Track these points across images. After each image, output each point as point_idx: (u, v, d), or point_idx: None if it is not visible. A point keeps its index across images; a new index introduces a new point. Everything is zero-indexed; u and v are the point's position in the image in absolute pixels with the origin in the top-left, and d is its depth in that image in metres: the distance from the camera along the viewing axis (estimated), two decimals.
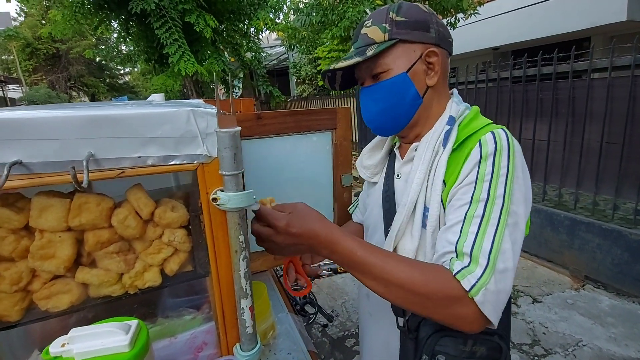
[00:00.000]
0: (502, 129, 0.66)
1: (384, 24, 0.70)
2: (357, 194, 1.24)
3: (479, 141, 0.64)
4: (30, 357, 0.57)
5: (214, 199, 0.56)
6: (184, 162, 0.55)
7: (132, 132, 0.51)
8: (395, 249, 0.71)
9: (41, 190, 0.54)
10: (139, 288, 0.60)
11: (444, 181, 0.67)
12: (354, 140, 7.41)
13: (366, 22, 0.74)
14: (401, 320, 0.73)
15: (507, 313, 0.70)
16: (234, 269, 0.60)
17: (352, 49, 0.75)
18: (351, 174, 1.41)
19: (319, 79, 10.10)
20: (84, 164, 0.47)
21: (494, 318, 0.55)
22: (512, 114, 3.76)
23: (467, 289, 0.54)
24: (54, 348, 0.46)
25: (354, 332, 2.72)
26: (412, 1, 3.34)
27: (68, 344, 0.47)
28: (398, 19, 0.70)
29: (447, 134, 0.69)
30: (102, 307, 0.62)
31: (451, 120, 0.71)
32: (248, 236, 0.60)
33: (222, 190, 0.57)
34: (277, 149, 1.23)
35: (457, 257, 0.58)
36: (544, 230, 3.38)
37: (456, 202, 0.63)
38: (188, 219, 0.62)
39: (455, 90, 0.79)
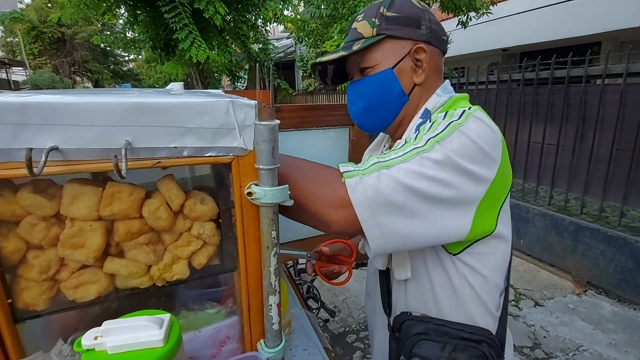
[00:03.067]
0: (475, 109, 0.62)
1: (373, 19, 0.70)
2: None
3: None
4: (55, 346, 0.56)
5: (249, 193, 0.54)
6: (220, 154, 0.54)
7: (172, 122, 0.49)
8: None
9: (73, 178, 0.52)
10: (166, 281, 0.59)
11: None
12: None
13: (358, 17, 0.73)
14: (389, 320, 0.75)
15: (502, 321, 0.70)
16: (264, 264, 0.59)
17: (342, 43, 0.75)
18: None
19: None
20: (123, 152, 0.46)
21: (365, 216, 0.55)
22: (522, 116, 3.73)
23: (342, 172, 0.57)
24: (87, 340, 0.45)
25: (355, 328, 2.73)
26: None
27: (101, 336, 0.46)
28: (388, 14, 0.69)
29: (418, 127, 0.67)
30: (126, 299, 0.61)
31: (425, 114, 0.70)
32: (279, 232, 0.59)
33: (256, 185, 0.55)
34: (295, 142, 1.22)
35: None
36: (548, 234, 3.37)
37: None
38: (217, 212, 0.61)
39: (446, 82, 0.76)
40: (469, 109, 0.62)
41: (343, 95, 7.79)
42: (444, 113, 0.64)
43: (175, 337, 0.48)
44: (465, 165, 0.56)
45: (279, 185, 0.55)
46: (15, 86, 17.64)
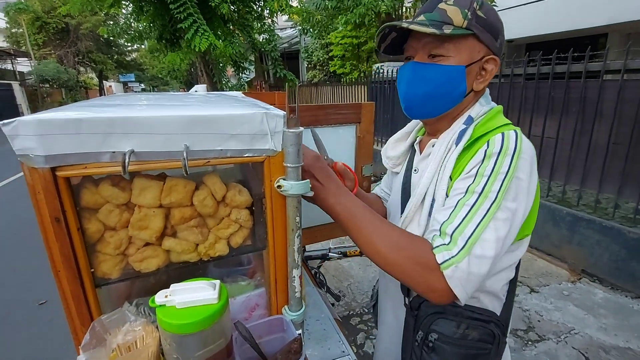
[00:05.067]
0: (515, 130, 0.68)
1: (466, 10, 0.69)
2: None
3: (487, 141, 0.67)
4: (123, 306, 0.70)
5: (279, 186, 0.68)
6: (255, 155, 0.67)
7: (220, 130, 0.62)
8: None
9: (140, 174, 0.66)
10: (210, 256, 0.73)
11: (450, 177, 0.71)
12: None
13: None
14: (406, 299, 0.83)
15: (508, 304, 0.78)
16: (288, 244, 0.73)
17: (421, 17, 0.73)
18: (372, 164, 1.53)
19: (330, 65, 10.04)
20: (184, 155, 0.59)
21: (461, 295, 0.60)
22: (523, 110, 3.82)
23: (439, 262, 0.60)
24: (159, 298, 0.59)
25: (359, 312, 2.89)
26: None
27: (170, 295, 0.60)
28: (479, 13, 0.69)
29: (462, 134, 0.72)
30: (175, 272, 0.75)
31: (469, 120, 0.74)
32: (302, 218, 0.72)
33: (284, 179, 0.68)
34: (307, 139, 1.34)
35: (440, 235, 0.64)
36: (545, 224, 3.49)
37: (454, 192, 0.68)
38: (251, 202, 0.74)
39: (487, 90, 0.79)
40: (515, 138, 0.66)
41: (348, 88, 7.86)
42: (498, 147, 0.65)
43: (225, 297, 0.62)
44: (528, 187, 0.65)
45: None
46: (21, 77, 17.75)
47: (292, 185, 0.67)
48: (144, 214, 0.66)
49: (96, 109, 0.61)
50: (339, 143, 1.46)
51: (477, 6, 0.70)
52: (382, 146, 6.53)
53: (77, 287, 0.62)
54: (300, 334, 0.78)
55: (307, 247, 2.52)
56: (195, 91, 1.41)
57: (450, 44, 0.70)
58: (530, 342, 2.47)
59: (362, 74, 8.48)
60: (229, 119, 0.62)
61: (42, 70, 17.16)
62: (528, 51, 4.91)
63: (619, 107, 2.97)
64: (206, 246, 0.72)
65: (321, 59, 11.37)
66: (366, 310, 2.90)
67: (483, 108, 0.75)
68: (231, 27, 7.39)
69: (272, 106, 0.76)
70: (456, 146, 0.72)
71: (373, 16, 6.98)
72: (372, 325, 2.72)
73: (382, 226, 0.68)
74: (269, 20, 7.99)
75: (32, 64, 18.11)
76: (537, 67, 3.52)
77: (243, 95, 1.27)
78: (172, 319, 0.56)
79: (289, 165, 0.67)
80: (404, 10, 7.52)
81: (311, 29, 7.58)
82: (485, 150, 0.66)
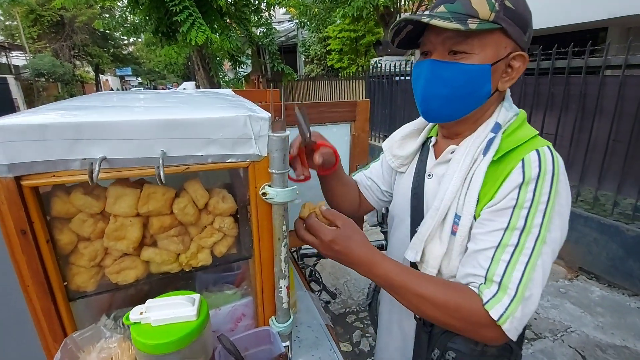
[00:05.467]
0: (548, 146, 0.63)
1: (493, 1, 0.61)
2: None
3: (522, 160, 0.61)
4: (100, 320, 0.66)
5: (264, 194, 0.64)
6: (239, 160, 0.63)
7: (198, 134, 0.58)
8: (423, 252, 0.72)
9: (116, 181, 0.62)
10: (193, 266, 0.70)
11: (478, 196, 0.65)
12: None
13: None
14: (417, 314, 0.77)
15: None
16: (275, 253, 0.69)
17: (441, 7, 0.64)
18: (367, 164, 1.49)
19: (328, 59, 9.95)
20: (160, 161, 0.55)
21: (515, 335, 0.59)
22: (522, 106, 3.77)
23: (496, 319, 0.57)
24: (134, 315, 0.56)
25: (355, 309, 2.87)
26: None
27: (145, 312, 0.56)
28: (507, 3, 0.61)
29: (490, 143, 0.65)
30: (158, 282, 0.72)
31: (496, 128, 0.67)
32: (288, 226, 0.69)
33: (269, 186, 0.64)
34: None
35: (485, 282, 0.60)
36: None
37: (491, 224, 0.62)
38: (236, 209, 0.71)
39: (508, 91, 0.72)
40: (551, 157, 0.62)
41: (346, 82, 7.78)
42: (536, 171, 0.60)
43: (204, 313, 0.58)
44: (567, 209, 0.62)
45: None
46: (16, 70, 17.54)
47: (277, 193, 0.63)
48: (120, 224, 0.62)
49: (66, 112, 0.57)
50: (333, 142, 1.41)
51: None
52: (379, 142, 6.49)
53: (47, 302, 0.59)
54: (287, 346, 0.75)
55: (303, 245, 2.49)
56: (184, 89, 1.36)
57: (474, 39, 0.61)
58: (526, 340, 2.46)
59: (360, 68, 8.40)
60: (208, 122, 0.58)
61: (38, 64, 16.94)
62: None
63: (619, 103, 2.93)
64: (188, 256, 0.68)
65: (319, 52, 11.24)
66: (362, 308, 2.88)
67: (509, 113, 0.69)
68: (228, 20, 7.29)
69: (258, 107, 0.72)
70: (484, 156, 0.65)
71: (371, 9, 6.89)
72: (368, 323, 2.71)
73: (423, 284, 0.64)
74: (266, 14, 7.88)
75: (28, 58, 17.89)
76: (537, 62, 3.47)
77: (233, 93, 1.22)
78: (147, 338, 0.53)
79: (274, 171, 0.63)
80: (402, 2, 7.42)
81: (308, 22, 7.48)
82: (523, 173, 0.61)
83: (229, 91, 1.26)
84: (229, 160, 0.62)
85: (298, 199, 0.67)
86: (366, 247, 0.67)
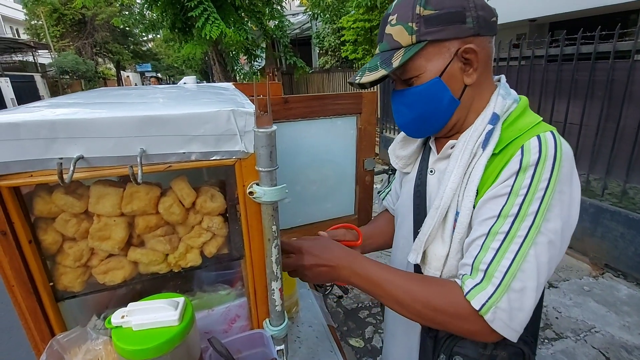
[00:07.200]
0: (552, 131, 0.60)
1: (409, 23, 0.61)
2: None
3: (522, 147, 0.58)
4: (90, 321, 0.65)
5: (251, 193, 0.61)
6: (224, 157, 0.60)
7: (178, 131, 0.55)
8: (424, 253, 0.69)
9: (98, 180, 0.60)
10: (182, 267, 0.68)
11: (477, 188, 0.62)
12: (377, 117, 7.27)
13: (390, 18, 0.64)
14: None
15: (535, 320, 0.67)
16: (266, 254, 0.66)
17: (377, 50, 0.68)
18: (374, 158, 1.44)
19: (342, 51, 9.81)
20: (138, 160, 0.53)
21: (510, 333, 0.55)
22: (544, 94, 3.59)
23: (477, 308, 0.54)
24: (115, 319, 0.54)
25: (367, 304, 2.84)
26: None
27: (127, 316, 0.54)
28: (426, 13, 0.59)
29: (489, 135, 0.62)
30: (149, 282, 0.70)
31: (494, 119, 0.63)
32: (279, 226, 0.65)
33: (257, 184, 0.61)
34: (303, 132, 1.26)
35: (471, 273, 0.58)
36: None
37: (484, 213, 0.60)
38: (225, 208, 0.68)
39: (502, 78, 0.70)
40: (554, 142, 0.58)
41: None
42: (535, 157, 0.57)
43: (188, 317, 0.56)
44: (571, 198, 0.58)
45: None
46: (42, 69, 18.20)
47: (265, 192, 0.60)
48: (104, 224, 0.60)
49: (50, 110, 0.55)
50: (339, 135, 1.37)
51: (421, 8, 0.60)
52: (395, 134, 6.35)
53: (33, 302, 0.58)
54: (282, 350, 0.73)
55: None
56: (184, 83, 1.34)
57: (414, 62, 0.63)
58: (547, 340, 2.36)
59: None
60: (188, 118, 0.55)
61: (62, 62, 17.53)
62: (551, 31, 4.61)
63: None
64: (176, 256, 0.66)
65: (333, 44, 11.05)
66: (375, 303, 2.84)
67: (506, 101, 0.65)
68: (242, 14, 7.27)
69: (248, 102, 0.68)
70: (483, 150, 0.62)
71: None
72: (380, 319, 2.67)
73: (409, 288, 0.62)
74: (279, 6, 7.81)
75: (53, 56, 18.52)
76: (561, 47, 3.28)
77: (234, 87, 1.20)
78: (127, 343, 0.51)
79: (261, 169, 0.59)
80: None
81: (321, 14, 7.35)
82: (521, 160, 0.57)
83: (229, 85, 1.23)
84: (214, 158, 0.59)
85: (288, 197, 0.63)
86: (345, 250, 0.70)
